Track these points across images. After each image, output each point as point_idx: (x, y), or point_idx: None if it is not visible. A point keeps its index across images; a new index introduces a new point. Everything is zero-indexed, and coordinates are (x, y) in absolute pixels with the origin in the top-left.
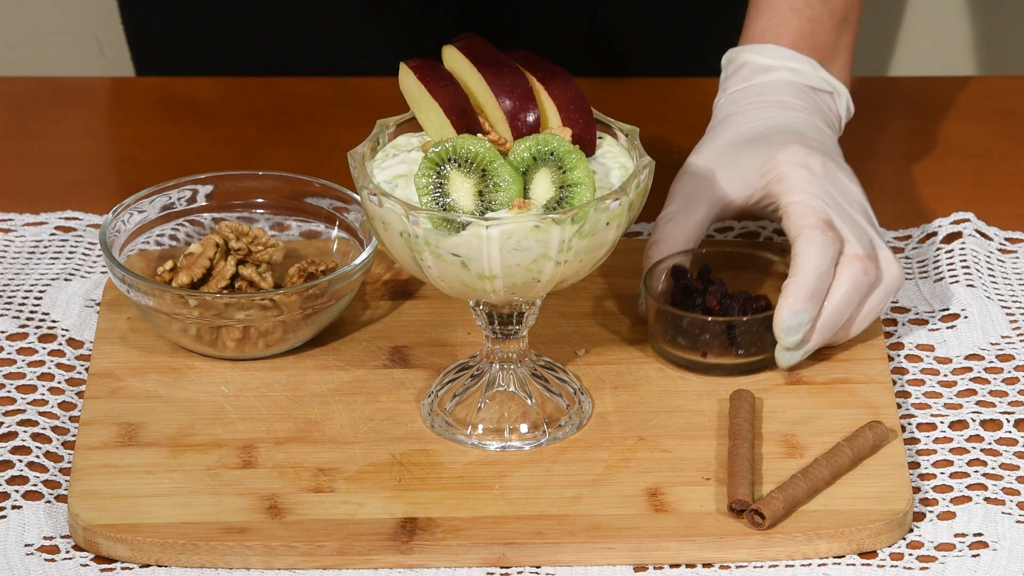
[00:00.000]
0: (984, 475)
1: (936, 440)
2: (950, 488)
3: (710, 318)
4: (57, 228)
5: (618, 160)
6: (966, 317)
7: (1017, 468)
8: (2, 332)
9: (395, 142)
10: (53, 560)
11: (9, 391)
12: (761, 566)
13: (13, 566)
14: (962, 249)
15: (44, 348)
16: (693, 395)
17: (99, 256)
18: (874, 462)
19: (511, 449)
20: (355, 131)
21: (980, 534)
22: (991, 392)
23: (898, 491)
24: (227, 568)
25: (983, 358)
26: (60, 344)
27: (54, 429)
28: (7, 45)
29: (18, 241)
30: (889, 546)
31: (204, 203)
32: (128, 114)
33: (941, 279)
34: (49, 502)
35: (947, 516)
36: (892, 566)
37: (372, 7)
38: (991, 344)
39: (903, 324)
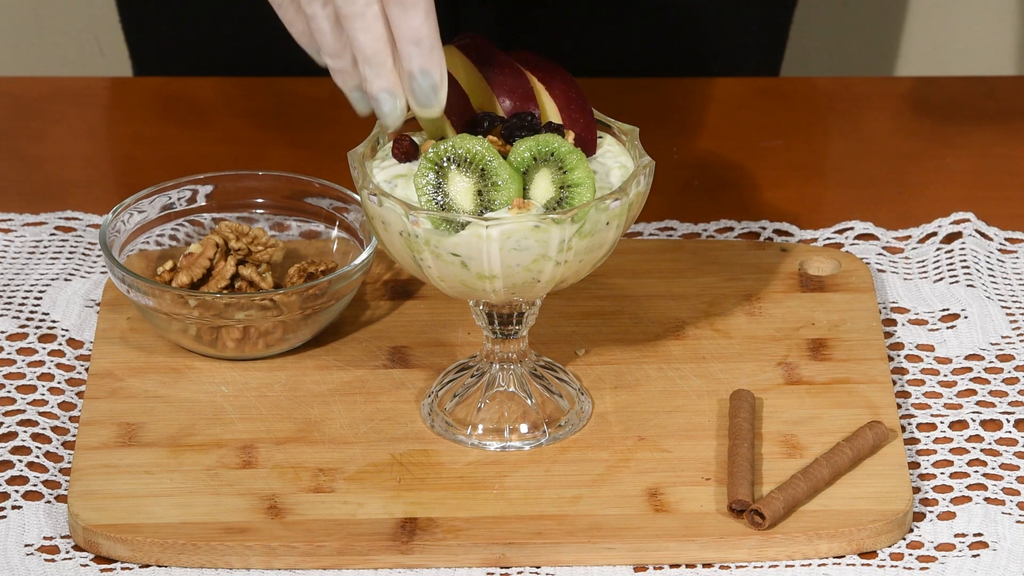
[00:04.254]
0: (984, 475)
1: (936, 440)
2: (950, 488)
3: None
4: (57, 228)
5: (618, 160)
6: (966, 317)
7: (1017, 468)
8: (2, 332)
9: None
10: (53, 560)
11: (9, 391)
12: (761, 566)
13: (13, 566)
14: (962, 249)
15: (44, 348)
16: (693, 395)
17: (99, 256)
18: (874, 462)
19: (511, 449)
20: (355, 131)
21: (980, 534)
22: (991, 392)
23: (898, 491)
24: (227, 568)
25: (983, 358)
26: (60, 344)
27: (54, 429)
28: (7, 45)
29: (18, 241)
30: (889, 546)
31: (204, 203)
32: (127, 114)
33: (941, 279)
34: (49, 502)
35: (947, 516)
36: (892, 566)
37: None
38: (991, 344)
39: (903, 324)
